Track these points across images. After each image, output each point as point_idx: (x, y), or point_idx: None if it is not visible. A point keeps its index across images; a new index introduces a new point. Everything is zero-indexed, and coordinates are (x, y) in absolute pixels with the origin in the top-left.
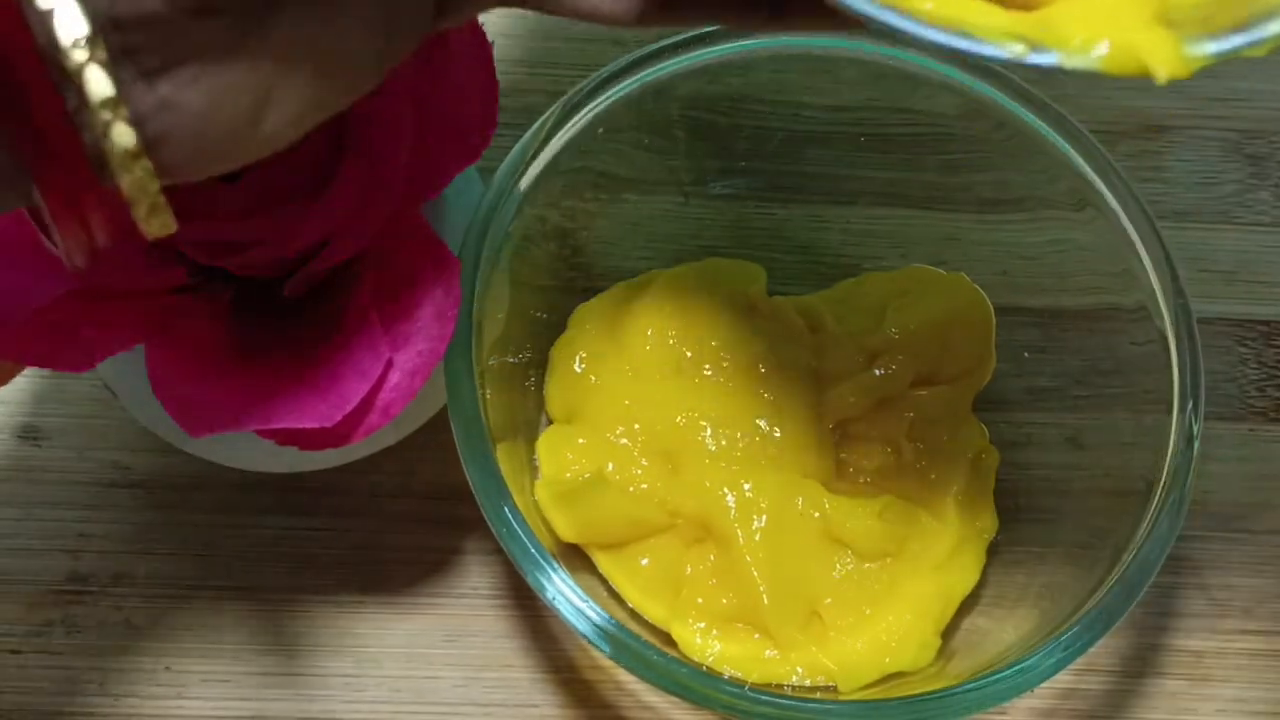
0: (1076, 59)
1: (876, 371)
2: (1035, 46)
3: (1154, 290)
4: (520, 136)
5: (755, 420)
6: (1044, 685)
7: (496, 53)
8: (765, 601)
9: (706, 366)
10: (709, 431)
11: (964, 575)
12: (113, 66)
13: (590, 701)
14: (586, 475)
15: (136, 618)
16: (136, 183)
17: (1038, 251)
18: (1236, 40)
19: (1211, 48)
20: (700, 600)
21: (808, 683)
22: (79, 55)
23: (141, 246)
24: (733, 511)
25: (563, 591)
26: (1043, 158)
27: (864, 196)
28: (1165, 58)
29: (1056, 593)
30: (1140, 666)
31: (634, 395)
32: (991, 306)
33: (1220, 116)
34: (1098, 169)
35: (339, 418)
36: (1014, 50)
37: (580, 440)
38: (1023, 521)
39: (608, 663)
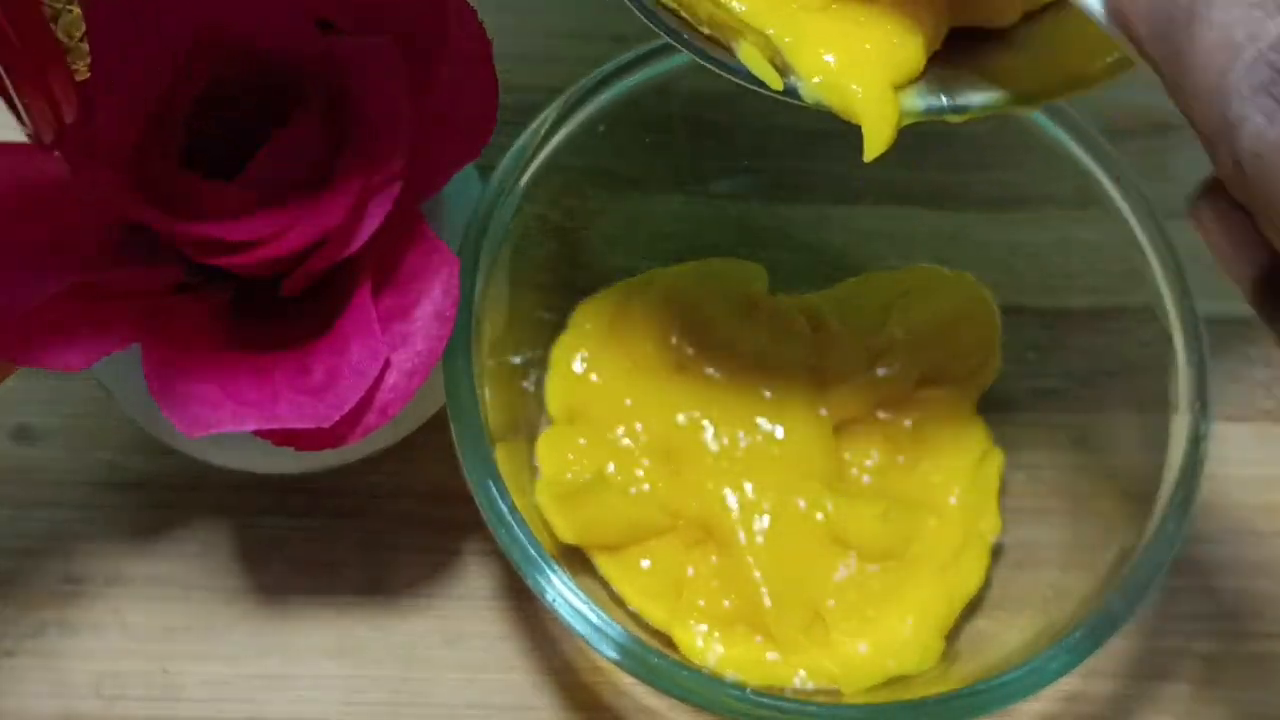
0: (810, 90)
1: (879, 371)
2: (782, 69)
3: (1160, 290)
4: (520, 134)
5: (757, 420)
6: (1049, 689)
7: (496, 50)
8: (767, 604)
9: (708, 366)
10: (710, 431)
11: (968, 577)
12: None
13: (590, 704)
14: (587, 476)
15: (132, 619)
16: (63, 29)
17: (1043, 251)
18: (942, 103)
19: (920, 104)
20: (701, 602)
21: (810, 686)
22: None
23: (140, 242)
24: (735, 513)
25: (563, 594)
26: (1048, 156)
27: (867, 195)
28: (878, 128)
29: (1061, 595)
30: (1147, 670)
31: (635, 395)
32: (996, 306)
33: None
34: (1104, 167)
35: (336, 418)
36: (767, 76)
37: (581, 440)
38: (1027, 523)
39: (607, 665)
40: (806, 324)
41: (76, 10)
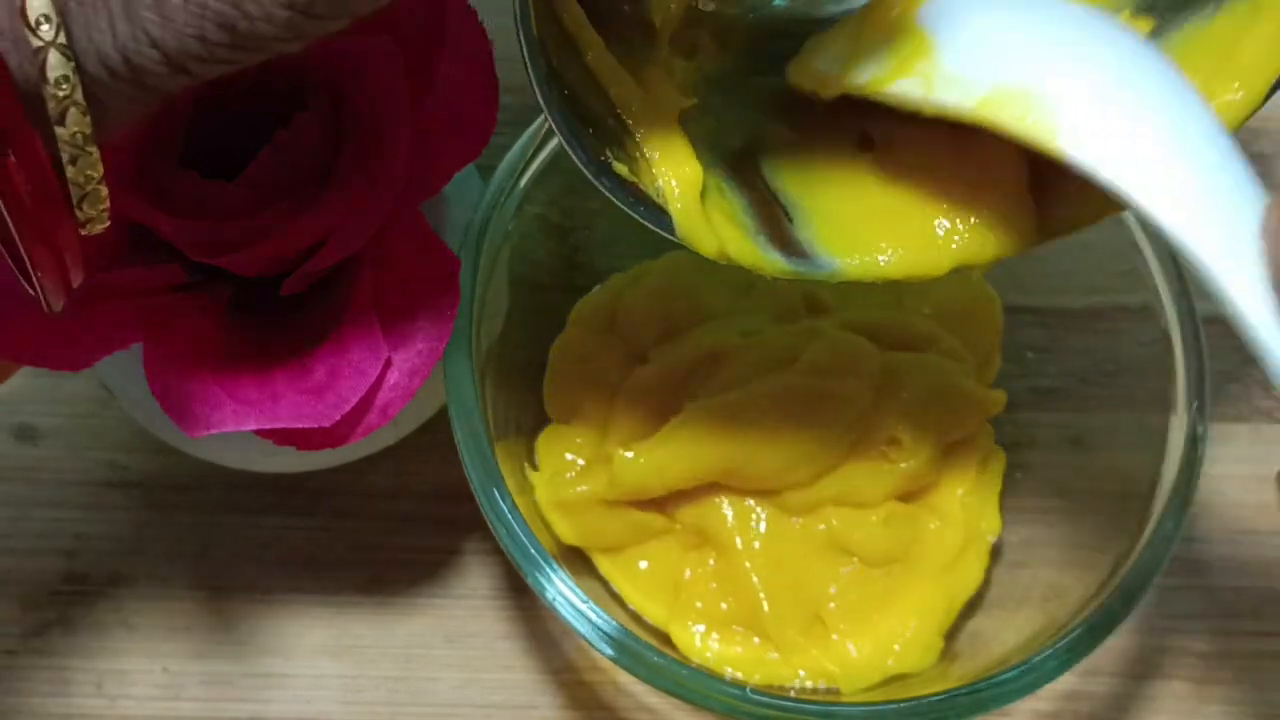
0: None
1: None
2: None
3: (1159, 289)
4: (520, 135)
5: None
6: (1048, 687)
7: (497, 50)
8: (765, 609)
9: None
10: None
11: (968, 577)
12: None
13: (590, 703)
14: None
15: (133, 618)
16: (80, 171)
17: (1042, 251)
18: None
19: None
20: (699, 604)
21: (810, 685)
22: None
23: (137, 244)
24: (729, 520)
25: (563, 593)
26: None
27: None
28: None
29: (1060, 594)
30: (1145, 669)
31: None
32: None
33: None
34: None
35: (337, 417)
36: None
37: (580, 440)
38: (1026, 523)
39: (608, 664)
40: (804, 308)
41: (96, 152)
